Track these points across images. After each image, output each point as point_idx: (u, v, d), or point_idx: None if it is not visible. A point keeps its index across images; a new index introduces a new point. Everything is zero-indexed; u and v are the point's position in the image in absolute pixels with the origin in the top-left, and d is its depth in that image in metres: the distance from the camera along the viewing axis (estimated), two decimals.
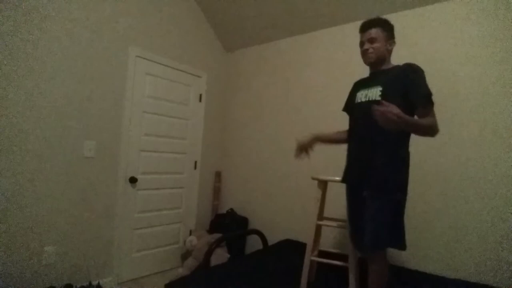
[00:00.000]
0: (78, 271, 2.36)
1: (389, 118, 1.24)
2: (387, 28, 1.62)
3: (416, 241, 2.26)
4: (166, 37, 2.97)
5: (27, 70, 2.08)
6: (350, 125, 1.73)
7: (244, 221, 3.21)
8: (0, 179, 1.98)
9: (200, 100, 3.36)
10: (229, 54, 3.69)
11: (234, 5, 3.08)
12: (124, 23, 2.63)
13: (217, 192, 3.51)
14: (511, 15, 2.01)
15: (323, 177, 1.82)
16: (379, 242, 1.43)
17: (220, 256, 2.78)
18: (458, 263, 2.09)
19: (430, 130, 1.41)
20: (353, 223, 1.66)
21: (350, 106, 1.75)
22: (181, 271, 2.76)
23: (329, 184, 2.02)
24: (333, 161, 2.50)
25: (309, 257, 1.78)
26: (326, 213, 2.15)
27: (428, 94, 1.43)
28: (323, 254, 2.05)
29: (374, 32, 1.59)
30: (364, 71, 2.63)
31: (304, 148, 1.78)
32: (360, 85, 1.71)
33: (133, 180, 2.71)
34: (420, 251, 2.23)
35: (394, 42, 1.65)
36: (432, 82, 2.27)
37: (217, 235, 2.88)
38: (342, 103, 2.78)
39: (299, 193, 2.89)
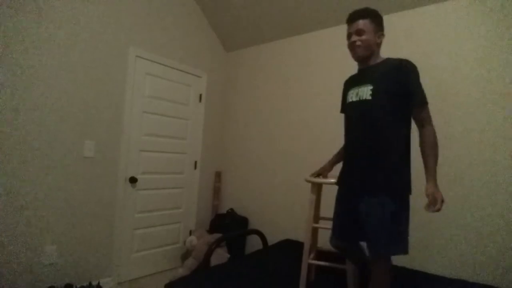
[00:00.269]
0: (78, 271, 2.36)
1: (441, 201, 1.30)
2: (376, 19, 1.51)
3: (416, 241, 2.26)
4: (166, 37, 2.97)
5: (27, 70, 2.08)
6: (345, 125, 1.64)
7: (244, 221, 3.21)
8: (0, 179, 1.98)
9: (200, 100, 3.36)
10: (229, 54, 3.69)
11: (234, 5, 3.08)
12: (124, 23, 2.63)
13: (217, 192, 3.51)
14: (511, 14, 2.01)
15: (317, 179, 1.80)
16: (383, 249, 1.37)
17: (220, 256, 2.78)
18: (458, 263, 2.09)
19: (436, 139, 1.38)
20: (339, 223, 1.58)
21: (344, 106, 1.67)
22: (181, 271, 2.76)
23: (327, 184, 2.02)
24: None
25: (307, 260, 1.77)
26: (323, 213, 2.15)
27: (424, 97, 1.41)
28: (321, 253, 2.05)
29: (362, 23, 1.48)
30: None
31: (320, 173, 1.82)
32: (351, 83, 1.63)
33: (133, 180, 2.71)
34: (421, 251, 2.23)
35: (383, 35, 1.54)
36: (432, 82, 2.28)
37: (217, 235, 2.88)
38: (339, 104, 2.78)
39: (299, 193, 2.89)
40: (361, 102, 1.47)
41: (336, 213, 1.60)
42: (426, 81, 2.31)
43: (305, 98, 2.96)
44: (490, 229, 2.00)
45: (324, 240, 2.38)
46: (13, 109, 2.02)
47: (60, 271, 2.26)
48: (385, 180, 1.39)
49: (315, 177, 1.80)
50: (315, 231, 2.00)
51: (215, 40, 3.53)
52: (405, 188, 1.43)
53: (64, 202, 2.27)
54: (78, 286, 2.29)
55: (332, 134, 2.70)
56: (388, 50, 2.49)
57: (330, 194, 2.43)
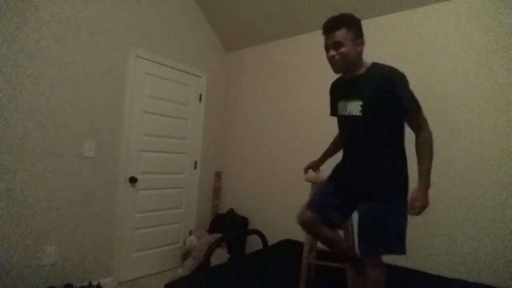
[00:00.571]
0: (78, 271, 2.36)
1: (425, 207, 1.33)
2: (353, 26, 1.42)
3: (416, 241, 2.26)
4: (166, 37, 2.97)
5: (27, 70, 2.08)
6: (340, 134, 1.64)
7: (244, 221, 3.21)
8: (0, 179, 1.98)
9: (200, 100, 3.36)
10: (229, 54, 3.69)
11: (234, 5, 3.08)
12: (124, 23, 2.63)
13: (217, 192, 3.51)
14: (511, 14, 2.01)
15: (316, 179, 1.80)
16: (376, 248, 1.39)
17: (220, 256, 2.78)
18: (458, 263, 2.09)
19: (432, 144, 1.37)
20: (319, 195, 1.61)
21: (335, 112, 1.63)
22: (181, 271, 2.76)
23: None
24: (333, 161, 2.50)
25: (307, 260, 1.77)
26: None
27: (415, 103, 1.39)
28: (321, 253, 2.05)
29: (339, 35, 1.39)
30: None
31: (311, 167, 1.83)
32: (339, 91, 1.59)
33: (133, 180, 2.71)
34: (421, 251, 2.23)
35: (363, 42, 1.45)
36: (432, 81, 2.28)
37: (217, 235, 2.88)
38: None
39: (299, 193, 2.89)
40: (352, 118, 1.44)
41: (327, 194, 1.58)
42: (426, 81, 2.31)
43: (305, 98, 2.96)
44: (490, 229, 2.00)
45: None
46: (13, 109, 2.02)
47: (60, 271, 2.26)
48: (384, 189, 1.40)
49: (307, 170, 1.84)
50: None
51: (215, 40, 3.53)
52: (402, 193, 1.42)
53: (64, 202, 2.27)
54: (78, 286, 2.29)
55: (332, 134, 2.69)
56: (389, 50, 2.49)
57: None
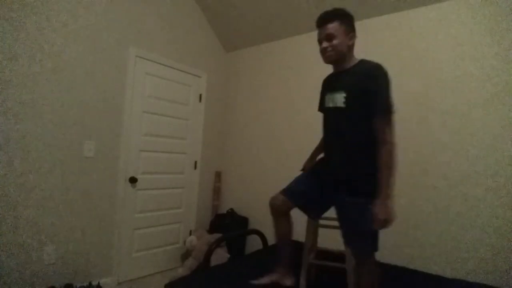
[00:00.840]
0: (78, 271, 2.36)
1: (389, 220, 1.31)
2: (346, 20, 1.46)
3: (416, 241, 2.26)
4: (166, 37, 2.97)
5: (27, 71, 2.08)
6: (324, 127, 1.63)
7: (244, 221, 3.21)
8: (0, 179, 1.98)
9: (200, 100, 3.36)
10: (229, 54, 3.69)
11: (234, 5, 3.08)
12: (124, 23, 2.63)
13: (217, 192, 3.51)
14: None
15: None
16: (362, 248, 1.44)
17: (220, 256, 2.78)
18: (458, 263, 2.09)
19: (393, 154, 1.34)
20: (296, 182, 1.64)
21: (322, 108, 1.66)
22: (181, 271, 2.76)
23: None
24: None
25: (307, 260, 1.77)
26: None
27: (389, 106, 1.37)
28: (322, 253, 2.05)
29: (331, 27, 1.43)
30: None
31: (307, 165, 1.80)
32: (327, 85, 1.62)
33: (133, 180, 2.71)
34: (421, 251, 2.23)
35: (355, 36, 1.49)
36: (432, 82, 2.28)
37: (217, 235, 2.88)
38: None
39: None
40: (336, 109, 1.48)
41: (304, 183, 1.61)
42: (426, 81, 2.32)
43: (305, 98, 2.96)
44: (490, 229, 2.00)
45: (324, 240, 2.38)
46: (13, 109, 2.02)
47: (60, 271, 2.26)
48: (364, 185, 1.40)
49: (303, 170, 1.81)
50: (315, 231, 2.00)
51: (215, 40, 3.53)
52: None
53: (64, 202, 2.27)
54: (78, 286, 2.29)
55: None
56: (389, 49, 2.49)
57: None
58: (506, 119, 1.99)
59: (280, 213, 1.65)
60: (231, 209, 3.35)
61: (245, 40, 3.44)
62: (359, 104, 1.40)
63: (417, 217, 2.27)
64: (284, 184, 1.75)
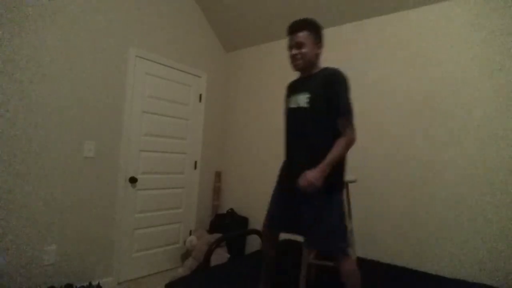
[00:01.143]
0: (78, 271, 2.36)
1: (314, 185, 1.37)
2: (315, 30, 1.58)
3: (416, 241, 2.26)
4: (166, 37, 2.97)
5: (27, 71, 2.08)
6: (285, 129, 1.69)
7: (244, 221, 3.21)
8: (1, 178, 1.98)
9: (200, 100, 3.36)
10: (229, 54, 3.69)
11: (234, 5, 3.08)
12: (124, 23, 2.63)
13: (217, 192, 3.51)
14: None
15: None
16: (338, 246, 1.44)
17: (220, 256, 2.78)
18: (458, 263, 2.09)
19: (348, 147, 1.46)
20: (272, 208, 1.70)
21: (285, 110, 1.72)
22: (181, 271, 2.76)
23: None
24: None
25: (307, 260, 1.77)
26: None
27: (349, 108, 1.48)
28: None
29: (301, 36, 1.55)
30: (361, 72, 2.64)
31: None
32: (292, 89, 1.69)
33: (133, 180, 2.71)
34: (421, 251, 2.23)
35: (322, 45, 1.62)
36: (432, 81, 2.28)
37: (217, 235, 2.88)
38: None
39: None
40: (299, 109, 1.55)
41: (276, 204, 1.69)
42: (426, 80, 2.32)
43: None
44: (490, 229, 2.00)
45: None
46: (13, 109, 2.02)
47: (60, 271, 2.26)
48: (328, 180, 1.43)
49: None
50: None
51: (215, 40, 3.53)
52: (340, 186, 1.52)
53: (64, 202, 2.27)
54: (78, 286, 2.29)
55: None
56: (389, 49, 2.49)
57: None
58: (506, 119, 1.99)
59: (269, 238, 1.76)
60: (231, 209, 3.35)
61: (245, 40, 3.44)
62: (321, 105, 1.50)
63: (417, 217, 2.27)
64: None
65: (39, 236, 2.15)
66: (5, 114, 1.99)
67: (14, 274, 2.04)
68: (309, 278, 1.91)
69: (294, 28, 1.57)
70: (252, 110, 3.39)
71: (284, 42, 3.18)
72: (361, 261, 2.10)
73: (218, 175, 3.54)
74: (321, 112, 1.50)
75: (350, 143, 1.47)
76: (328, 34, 2.87)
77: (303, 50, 1.55)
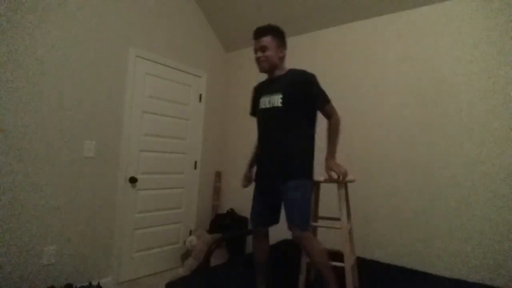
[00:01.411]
0: (78, 271, 2.36)
1: (343, 171, 1.62)
2: (278, 36, 1.73)
3: (416, 241, 2.26)
4: (166, 37, 2.97)
5: (27, 71, 2.08)
6: (259, 128, 1.83)
7: (244, 221, 3.21)
8: (1, 179, 1.98)
9: (200, 100, 3.36)
10: (229, 54, 3.69)
11: (234, 5, 3.09)
12: (124, 23, 2.63)
13: (217, 192, 3.51)
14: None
15: (314, 178, 1.80)
16: (303, 222, 1.61)
17: (220, 256, 2.78)
18: (458, 263, 2.09)
19: (340, 126, 1.70)
20: (258, 211, 1.83)
21: (256, 111, 1.84)
22: (181, 271, 2.76)
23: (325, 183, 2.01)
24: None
25: (306, 259, 1.77)
26: (322, 212, 2.14)
27: (327, 97, 1.70)
28: None
29: (265, 40, 1.69)
30: (362, 71, 2.64)
31: (242, 182, 1.96)
32: (261, 90, 1.81)
33: (133, 180, 2.71)
34: (421, 251, 2.23)
35: (285, 49, 1.77)
36: (432, 81, 2.27)
37: (217, 235, 2.88)
38: (342, 102, 2.79)
39: None
40: (273, 109, 1.70)
41: (260, 203, 1.82)
42: (426, 81, 2.32)
43: None
44: (490, 230, 2.00)
45: (324, 240, 2.38)
46: (13, 109, 2.02)
47: (60, 271, 2.26)
48: (298, 168, 1.67)
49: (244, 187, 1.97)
50: (314, 230, 2.00)
51: (215, 40, 3.54)
52: (311, 173, 1.73)
53: (64, 202, 2.27)
54: (78, 286, 2.29)
55: None
56: (389, 49, 2.49)
57: (329, 193, 2.43)
58: (506, 119, 1.99)
59: (259, 239, 1.87)
60: (231, 209, 3.35)
61: (245, 40, 3.43)
62: (294, 103, 1.67)
63: (417, 217, 2.27)
64: None
65: (39, 236, 2.15)
66: (5, 114, 1.99)
67: (14, 274, 2.04)
68: (308, 278, 1.91)
69: (259, 33, 1.71)
70: None
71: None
72: (361, 261, 2.10)
73: (218, 175, 3.54)
74: (294, 110, 1.68)
75: (339, 123, 1.71)
76: (328, 34, 2.88)
77: (267, 53, 1.70)
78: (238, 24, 3.28)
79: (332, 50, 2.84)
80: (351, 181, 1.82)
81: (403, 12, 2.43)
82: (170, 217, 3.07)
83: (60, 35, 2.23)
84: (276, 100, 1.69)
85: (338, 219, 1.83)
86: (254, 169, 1.92)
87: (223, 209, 3.47)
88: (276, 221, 1.85)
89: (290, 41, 3.11)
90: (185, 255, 3.09)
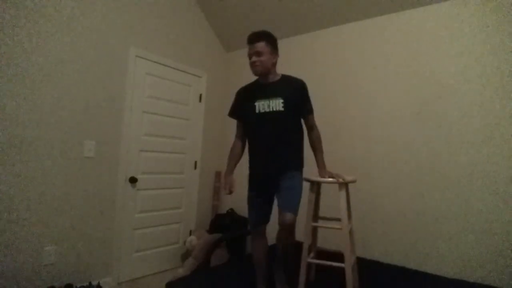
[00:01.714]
0: (78, 271, 2.36)
1: (337, 175, 1.76)
2: (272, 42, 1.82)
3: (416, 241, 2.26)
4: (166, 37, 2.97)
5: (27, 71, 2.08)
6: (253, 130, 1.88)
7: (244, 221, 3.21)
8: (1, 179, 1.98)
9: (200, 100, 3.36)
10: (229, 54, 3.69)
11: (234, 5, 3.09)
12: (124, 23, 2.63)
13: (217, 192, 3.51)
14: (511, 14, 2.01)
15: (315, 178, 1.81)
16: (294, 203, 1.73)
17: (220, 256, 2.78)
18: (458, 263, 2.09)
19: (321, 139, 1.89)
20: (258, 211, 1.90)
21: (249, 114, 1.87)
22: (181, 271, 2.76)
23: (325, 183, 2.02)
24: (334, 161, 2.50)
25: (306, 259, 1.78)
26: (322, 213, 2.15)
27: (312, 107, 1.88)
28: (321, 253, 2.05)
29: (259, 46, 1.77)
30: (361, 72, 2.64)
31: (228, 187, 1.92)
32: (253, 95, 1.87)
33: (133, 180, 2.71)
34: (421, 251, 2.23)
35: (277, 55, 1.87)
36: (430, 84, 2.28)
37: (217, 235, 2.88)
38: (341, 103, 2.79)
39: None
40: (275, 112, 1.79)
41: (259, 203, 1.89)
42: (426, 83, 2.32)
43: None
44: (490, 230, 2.00)
45: (324, 240, 2.39)
46: (13, 109, 2.02)
47: (60, 271, 2.26)
48: (295, 163, 1.84)
49: (229, 193, 1.92)
50: (314, 231, 2.00)
51: (215, 40, 3.54)
52: (303, 166, 1.89)
53: (64, 202, 2.27)
54: (78, 286, 2.29)
55: (331, 133, 2.70)
56: (389, 50, 2.49)
57: (329, 193, 2.43)
58: (506, 120, 1.99)
59: (260, 236, 1.92)
60: (231, 209, 3.35)
61: (245, 40, 3.42)
62: (293, 108, 1.80)
63: (417, 218, 2.27)
64: None
65: (39, 236, 2.15)
66: (6, 114, 1.99)
67: (14, 274, 2.04)
68: (308, 278, 1.91)
69: (254, 38, 1.79)
70: None
71: (284, 43, 3.17)
72: (361, 261, 2.11)
73: (218, 175, 3.54)
74: (293, 115, 1.82)
75: (319, 132, 1.89)
76: (327, 34, 2.88)
77: (262, 58, 1.77)
78: (238, 24, 3.28)
79: (331, 50, 2.84)
80: (353, 182, 1.82)
81: (403, 12, 2.43)
82: (170, 217, 3.07)
83: (60, 35, 2.23)
84: (277, 104, 1.78)
85: (338, 219, 1.84)
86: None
87: (223, 209, 3.47)
88: (269, 219, 1.94)
89: (290, 41, 3.13)
90: (185, 255, 3.09)
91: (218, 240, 2.45)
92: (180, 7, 3.09)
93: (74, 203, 2.33)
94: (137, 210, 2.78)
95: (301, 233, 2.39)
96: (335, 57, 2.81)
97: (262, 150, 1.86)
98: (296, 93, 1.82)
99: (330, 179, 1.77)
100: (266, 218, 1.93)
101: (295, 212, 1.72)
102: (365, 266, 2.12)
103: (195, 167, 3.32)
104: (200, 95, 3.36)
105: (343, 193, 1.75)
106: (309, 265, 1.91)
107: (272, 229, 2.00)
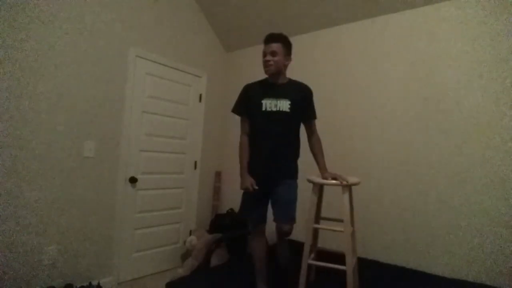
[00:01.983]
0: (78, 271, 2.36)
1: (337, 176, 1.77)
2: (287, 45, 1.88)
3: (416, 241, 2.26)
4: (166, 37, 2.97)
5: (27, 71, 2.08)
6: (256, 128, 1.90)
7: (244, 221, 3.21)
8: (1, 179, 1.98)
9: (200, 100, 3.36)
10: (229, 54, 3.69)
11: (234, 5, 3.08)
12: (124, 24, 2.63)
13: (217, 192, 3.51)
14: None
15: (318, 180, 1.81)
16: (294, 215, 1.81)
17: (220, 256, 2.78)
18: (458, 263, 2.09)
19: (321, 143, 1.96)
20: (259, 211, 1.93)
21: (254, 111, 1.89)
22: (181, 271, 2.76)
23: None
24: (334, 161, 2.50)
25: (307, 260, 1.77)
26: (323, 213, 2.14)
27: (316, 114, 1.96)
28: (321, 253, 2.05)
29: (275, 46, 1.82)
30: (361, 72, 2.64)
31: (251, 185, 1.89)
32: (261, 92, 1.90)
33: (133, 180, 2.71)
34: (421, 251, 2.24)
35: (290, 59, 1.92)
36: (432, 84, 2.28)
37: (217, 235, 2.88)
38: (341, 103, 2.79)
39: (299, 193, 2.88)
40: (281, 113, 1.84)
41: (259, 203, 1.92)
42: (428, 83, 2.32)
43: None
44: (490, 230, 2.00)
45: (324, 240, 2.39)
46: (13, 109, 2.02)
47: (60, 271, 2.26)
48: (294, 169, 1.93)
49: (252, 191, 1.88)
50: (315, 232, 2.00)
51: (215, 40, 3.53)
52: (297, 172, 1.96)
53: (64, 202, 2.27)
54: (78, 286, 2.29)
55: (332, 134, 2.70)
56: (389, 50, 2.49)
57: (330, 194, 2.43)
58: (505, 119, 1.99)
59: (260, 235, 1.97)
60: (231, 209, 3.35)
61: (245, 40, 3.44)
62: (299, 111, 1.87)
63: (417, 218, 2.27)
64: None
65: (39, 236, 2.15)
66: (6, 114, 1.99)
67: (14, 274, 2.04)
68: (309, 278, 1.91)
69: (271, 39, 1.85)
70: None
71: None
72: (361, 261, 2.11)
73: (218, 175, 3.54)
74: (299, 117, 1.90)
75: (319, 137, 1.96)
76: (328, 34, 2.87)
77: (276, 58, 1.82)
78: (238, 24, 3.28)
79: (332, 50, 2.84)
80: (356, 184, 1.81)
81: (403, 12, 2.43)
82: (170, 217, 3.07)
83: (60, 35, 2.23)
84: (284, 105, 1.84)
85: (340, 220, 1.83)
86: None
87: (223, 209, 3.46)
88: (266, 218, 1.98)
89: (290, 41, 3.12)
90: (185, 255, 3.09)
91: (218, 240, 2.45)
92: (180, 7, 3.09)
93: (74, 203, 2.33)
94: (137, 210, 2.78)
95: (301, 234, 2.39)
96: (335, 57, 2.81)
97: (264, 149, 1.87)
98: (303, 98, 1.88)
99: (334, 181, 1.76)
100: (265, 217, 1.97)
101: (294, 222, 1.82)
102: (365, 266, 2.12)
103: (195, 167, 3.32)
104: (200, 95, 3.36)
105: (346, 195, 1.74)
106: (310, 266, 1.91)
107: (274, 230, 2.00)
